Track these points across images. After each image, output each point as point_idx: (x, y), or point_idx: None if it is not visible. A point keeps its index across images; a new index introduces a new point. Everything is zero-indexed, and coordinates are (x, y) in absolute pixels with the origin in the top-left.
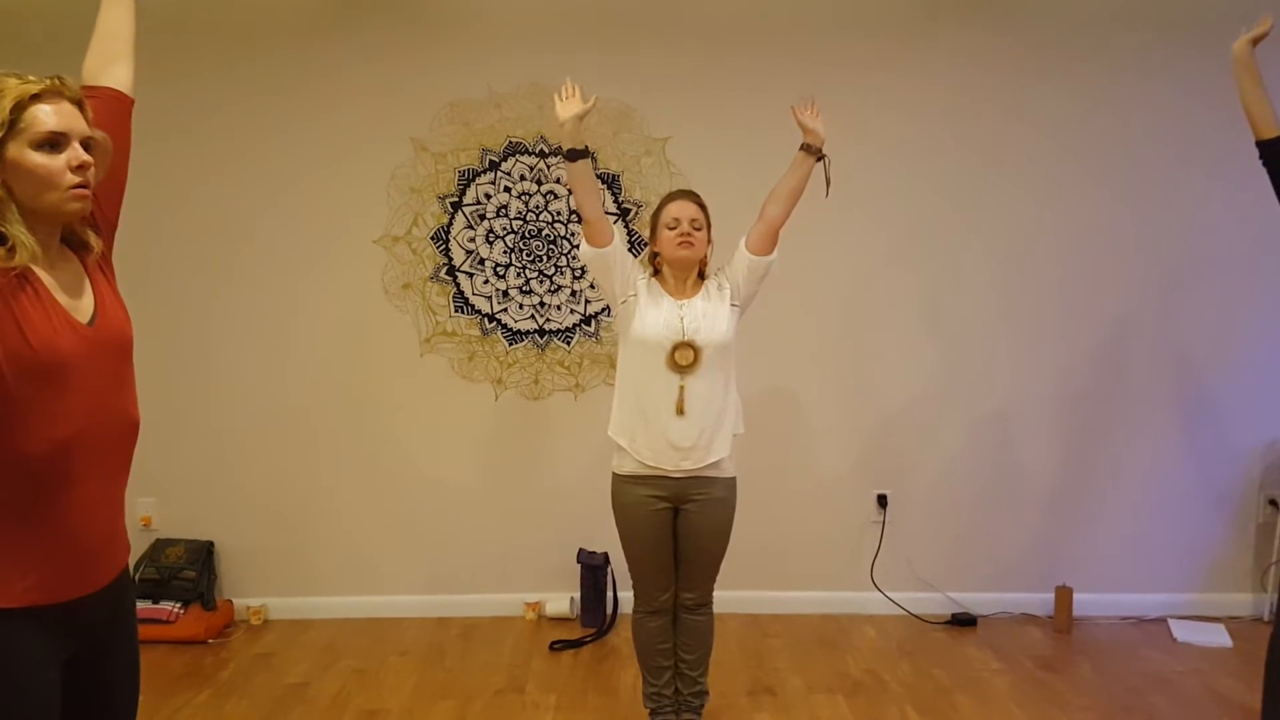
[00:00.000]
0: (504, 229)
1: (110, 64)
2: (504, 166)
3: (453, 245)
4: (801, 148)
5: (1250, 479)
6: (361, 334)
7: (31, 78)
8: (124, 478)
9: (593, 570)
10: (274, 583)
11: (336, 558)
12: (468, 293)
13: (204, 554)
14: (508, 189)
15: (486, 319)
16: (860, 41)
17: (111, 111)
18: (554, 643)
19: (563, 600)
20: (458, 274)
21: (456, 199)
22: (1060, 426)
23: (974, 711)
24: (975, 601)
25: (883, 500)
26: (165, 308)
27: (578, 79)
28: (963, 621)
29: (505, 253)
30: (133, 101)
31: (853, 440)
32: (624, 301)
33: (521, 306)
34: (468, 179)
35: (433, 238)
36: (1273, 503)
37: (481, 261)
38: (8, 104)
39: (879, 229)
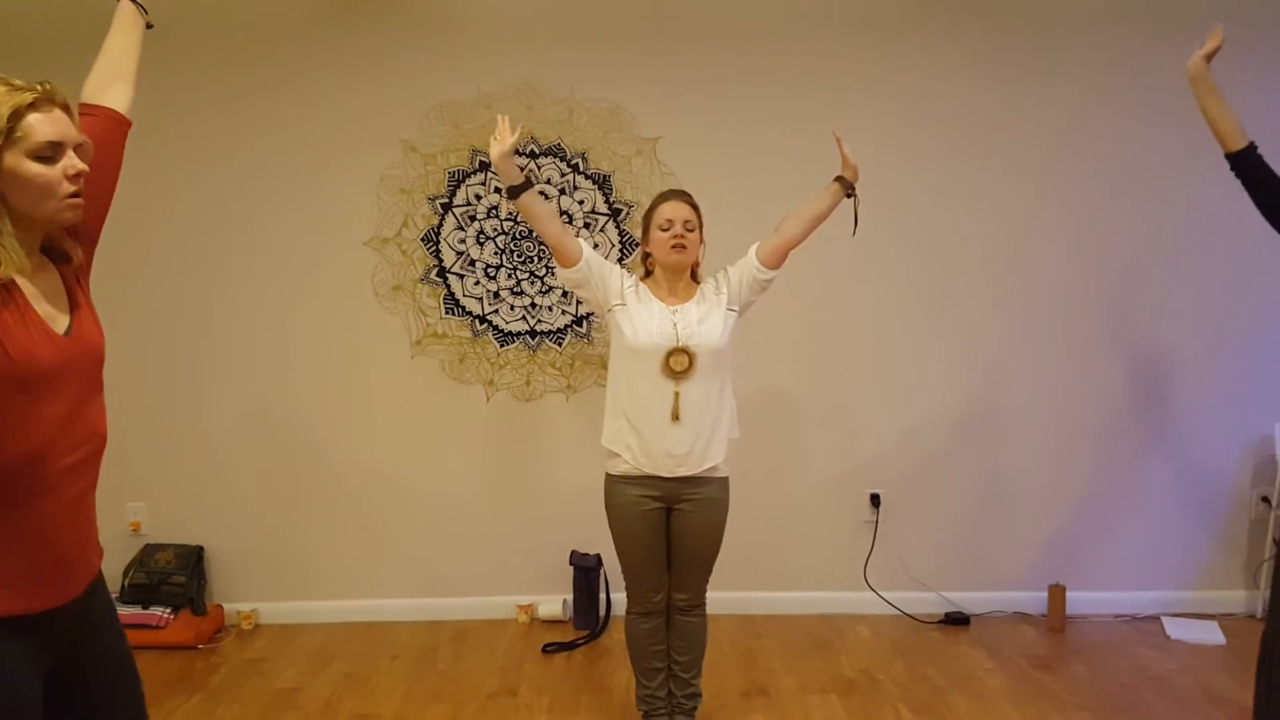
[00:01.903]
0: (495, 230)
1: (111, 85)
2: (494, 168)
3: (443, 247)
4: (836, 179)
5: (1242, 475)
6: (352, 336)
7: (17, 81)
8: (93, 489)
9: (585, 572)
10: (265, 587)
11: (327, 561)
12: (458, 294)
13: (194, 559)
14: (498, 190)
15: (478, 320)
16: (853, 39)
17: (108, 131)
18: (547, 645)
19: (555, 602)
20: (448, 275)
21: (447, 200)
22: (1052, 425)
23: (968, 711)
24: (969, 600)
25: (876, 500)
26: (154, 311)
27: (567, 79)
28: (956, 621)
29: (496, 254)
30: (130, 124)
31: (846, 440)
32: (610, 310)
33: (513, 308)
34: (458, 180)
35: (423, 239)
36: (1264, 499)
37: (472, 263)
38: (5, 112)
39: (874, 227)
